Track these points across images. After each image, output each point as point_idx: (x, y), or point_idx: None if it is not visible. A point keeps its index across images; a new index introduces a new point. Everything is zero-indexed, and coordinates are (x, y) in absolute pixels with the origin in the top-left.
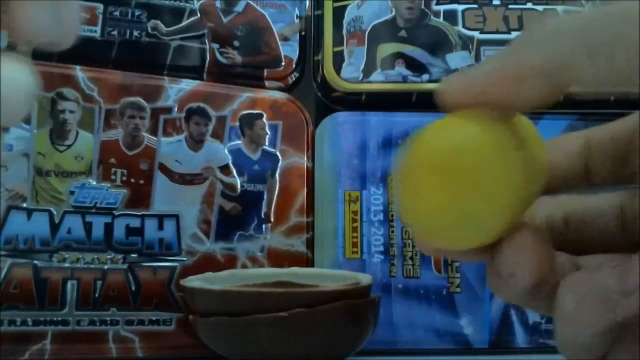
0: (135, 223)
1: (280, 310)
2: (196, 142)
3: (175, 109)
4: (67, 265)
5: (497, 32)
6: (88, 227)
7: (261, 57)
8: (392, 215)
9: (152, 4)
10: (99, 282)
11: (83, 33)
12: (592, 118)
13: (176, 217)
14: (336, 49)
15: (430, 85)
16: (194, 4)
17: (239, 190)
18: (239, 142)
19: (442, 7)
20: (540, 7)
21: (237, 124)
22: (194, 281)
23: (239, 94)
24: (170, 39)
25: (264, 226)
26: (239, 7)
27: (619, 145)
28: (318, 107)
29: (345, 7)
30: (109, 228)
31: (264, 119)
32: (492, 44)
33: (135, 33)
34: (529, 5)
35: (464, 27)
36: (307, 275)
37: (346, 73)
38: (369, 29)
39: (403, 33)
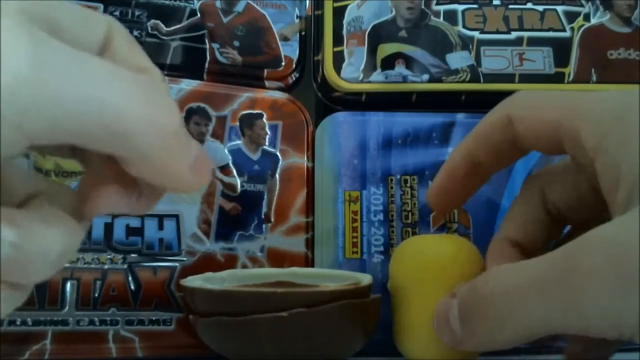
0: (135, 223)
1: (280, 310)
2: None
3: None
4: (67, 265)
5: (497, 32)
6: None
7: (261, 57)
8: (392, 215)
9: (152, 4)
10: (99, 282)
11: None
12: None
13: (176, 217)
14: (336, 49)
15: (430, 85)
16: (194, 4)
17: (239, 190)
18: (239, 142)
19: (442, 7)
20: (540, 7)
21: (237, 124)
22: (194, 281)
23: (239, 94)
24: (170, 39)
25: (264, 226)
26: (239, 7)
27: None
28: (318, 107)
29: (345, 7)
30: (108, 228)
31: (264, 119)
32: (492, 44)
33: (135, 33)
34: (529, 5)
35: (464, 27)
36: (307, 275)
37: (346, 73)
38: (369, 29)
39: (403, 33)
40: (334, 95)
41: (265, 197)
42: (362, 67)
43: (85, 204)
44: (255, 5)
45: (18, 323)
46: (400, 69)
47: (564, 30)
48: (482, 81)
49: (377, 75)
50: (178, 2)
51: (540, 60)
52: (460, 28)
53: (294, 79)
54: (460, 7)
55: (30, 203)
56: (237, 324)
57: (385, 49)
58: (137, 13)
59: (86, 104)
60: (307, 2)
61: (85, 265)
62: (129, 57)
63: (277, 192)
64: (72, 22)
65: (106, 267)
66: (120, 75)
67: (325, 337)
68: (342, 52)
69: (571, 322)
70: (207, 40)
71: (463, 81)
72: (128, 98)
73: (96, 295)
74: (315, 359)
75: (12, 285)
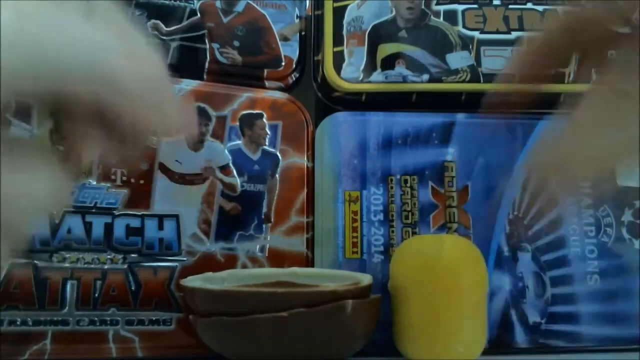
0: (135, 223)
1: (280, 310)
2: (196, 142)
3: None
4: (67, 265)
5: (497, 32)
6: (88, 227)
7: (261, 57)
8: (392, 215)
9: (152, 4)
10: (99, 282)
11: None
12: None
13: (176, 217)
14: (336, 49)
15: (430, 85)
16: (194, 4)
17: (239, 190)
18: (239, 142)
19: (442, 7)
20: (540, 7)
21: (237, 124)
22: (194, 281)
23: (239, 94)
24: (170, 39)
25: (264, 226)
26: (239, 7)
27: None
28: (318, 107)
29: (345, 7)
30: (109, 228)
31: (264, 119)
32: (492, 44)
33: None
34: (529, 5)
35: (464, 27)
36: (307, 275)
37: (346, 73)
38: (369, 29)
39: (403, 33)
40: (334, 95)
41: (265, 197)
42: (362, 67)
43: (73, 163)
44: (255, 5)
45: (18, 323)
46: (400, 69)
47: None
48: (482, 81)
49: (377, 75)
50: (178, 2)
51: None
52: (460, 28)
53: (294, 79)
54: (460, 7)
55: (15, 150)
56: (237, 324)
57: (385, 49)
58: (137, 13)
59: (73, 53)
60: (307, 2)
61: (85, 265)
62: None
63: (277, 192)
64: None
65: (106, 267)
66: (105, 27)
67: (325, 337)
68: (342, 52)
69: None
70: (207, 40)
71: (463, 81)
72: (113, 47)
73: (96, 295)
74: (315, 359)
75: None
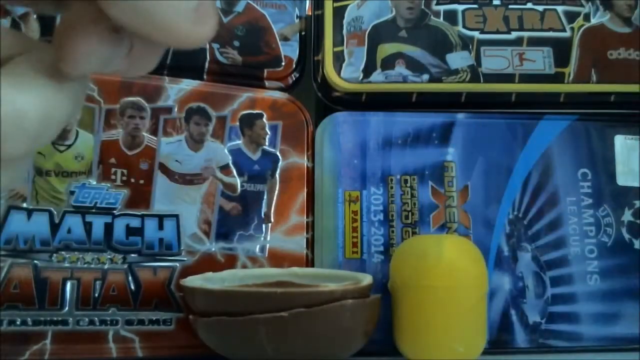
0: (135, 223)
1: (280, 310)
2: (196, 142)
3: (176, 109)
4: (67, 265)
5: (497, 32)
6: (88, 227)
7: (261, 57)
8: (392, 215)
9: None
10: (99, 282)
11: None
12: (592, 118)
13: (176, 217)
14: (336, 49)
15: (430, 85)
16: None
17: (239, 190)
18: (239, 142)
19: (442, 7)
20: (540, 7)
21: (237, 124)
22: (194, 281)
23: (239, 94)
24: None
25: (264, 226)
26: (239, 7)
27: None
28: (318, 107)
29: (345, 7)
30: (109, 228)
31: (264, 119)
32: (492, 44)
33: None
34: (529, 5)
35: (464, 27)
36: (307, 275)
37: (346, 73)
38: (369, 29)
39: (403, 33)
40: (334, 95)
41: (265, 197)
42: (362, 67)
43: (62, 56)
44: (255, 5)
45: (18, 323)
46: (400, 69)
47: (564, 30)
48: (482, 81)
49: (377, 75)
50: None
51: (540, 60)
52: (460, 28)
53: (294, 79)
54: (460, 7)
55: (2, 67)
56: (237, 324)
57: (385, 49)
58: None
59: None
60: (307, 2)
61: (85, 265)
62: None
63: (277, 192)
64: None
65: (106, 267)
66: None
67: (325, 337)
68: (342, 52)
69: None
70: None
71: (463, 81)
72: None
73: (96, 295)
74: (315, 359)
75: None
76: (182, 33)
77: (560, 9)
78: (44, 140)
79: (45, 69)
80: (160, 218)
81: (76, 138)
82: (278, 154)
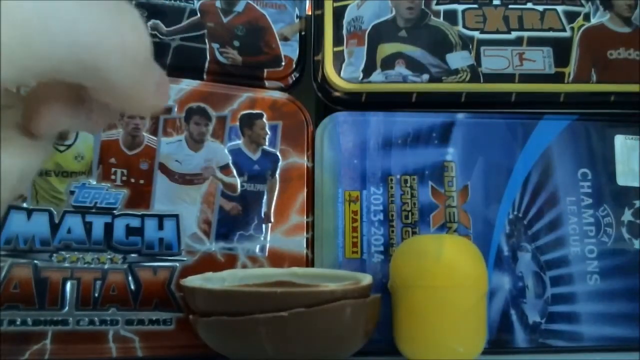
0: (135, 223)
1: (280, 310)
2: (196, 142)
3: (175, 109)
4: (67, 265)
5: (497, 32)
6: (88, 227)
7: (261, 57)
8: (392, 215)
9: (152, 4)
10: (99, 282)
11: None
12: (592, 118)
13: (176, 217)
14: (336, 49)
15: (430, 85)
16: (194, 4)
17: (239, 190)
18: (239, 142)
19: (442, 7)
20: (540, 7)
21: (237, 124)
22: (194, 281)
23: (239, 94)
24: (170, 39)
25: (264, 226)
26: (239, 7)
27: None
28: (318, 107)
29: (345, 7)
30: (109, 228)
31: (264, 119)
32: (492, 44)
33: None
34: (529, 5)
35: (464, 27)
36: (307, 275)
37: (346, 73)
38: (369, 29)
39: (403, 33)
40: (334, 95)
41: (265, 197)
42: (362, 67)
43: (31, 122)
44: (255, 5)
45: (18, 323)
46: (400, 69)
47: (564, 30)
48: (482, 81)
49: (377, 75)
50: (178, 2)
51: (540, 60)
52: (460, 28)
53: (294, 79)
54: (460, 7)
55: None
56: (237, 324)
57: (385, 49)
58: None
59: (58, 42)
60: (307, 2)
61: (85, 265)
62: None
63: (277, 192)
64: None
65: (106, 267)
66: (89, 7)
67: (325, 337)
68: (342, 52)
69: None
70: (207, 40)
71: (463, 81)
72: (99, 31)
73: (96, 295)
74: (315, 359)
75: None
76: (148, 105)
77: (560, 8)
78: (20, 192)
79: (23, 128)
80: (160, 218)
81: (76, 138)
82: (278, 154)
